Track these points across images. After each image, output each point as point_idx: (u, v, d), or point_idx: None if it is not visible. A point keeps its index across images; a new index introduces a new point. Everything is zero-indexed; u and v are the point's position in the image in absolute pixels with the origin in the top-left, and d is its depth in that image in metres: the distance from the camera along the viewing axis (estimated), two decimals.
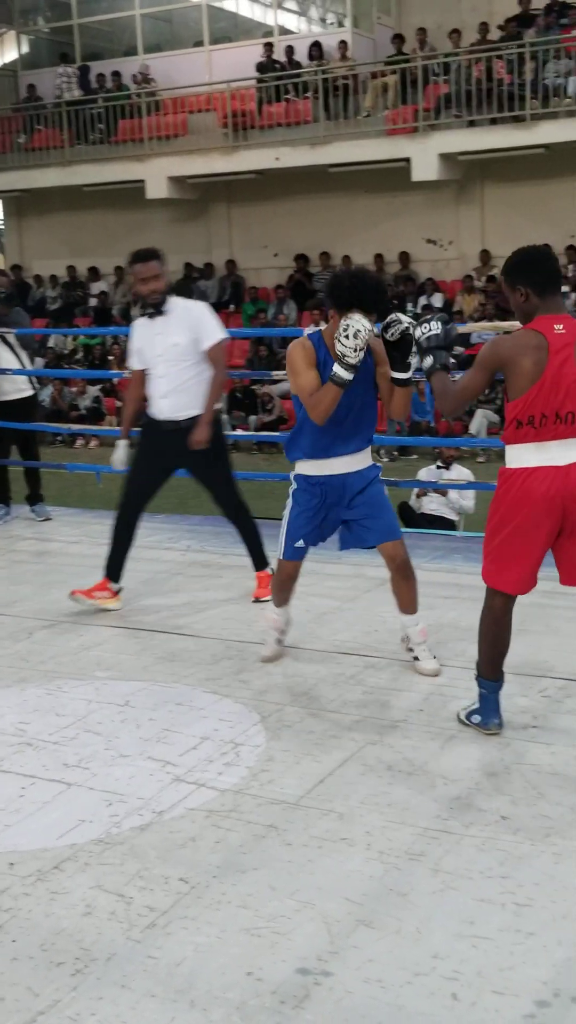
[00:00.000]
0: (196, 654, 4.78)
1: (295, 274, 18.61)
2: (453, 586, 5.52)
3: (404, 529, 7.55)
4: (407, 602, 4.44)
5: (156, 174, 18.48)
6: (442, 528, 7.97)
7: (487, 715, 3.82)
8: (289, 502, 4.55)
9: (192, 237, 20.02)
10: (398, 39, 17.77)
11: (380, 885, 2.90)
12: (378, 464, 4.50)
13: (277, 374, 10.32)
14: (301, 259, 18.64)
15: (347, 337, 3.97)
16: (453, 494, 8.38)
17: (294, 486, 4.53)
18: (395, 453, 15.00)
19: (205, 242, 20.05)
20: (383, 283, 4.33)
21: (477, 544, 6.18)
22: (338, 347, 4.02)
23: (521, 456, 3.59)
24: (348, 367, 4.02)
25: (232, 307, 19.08)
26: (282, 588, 4.66)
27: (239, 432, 15.34)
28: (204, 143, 18.26)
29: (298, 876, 2.96)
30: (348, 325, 3.97)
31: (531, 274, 3.56)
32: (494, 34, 17.03)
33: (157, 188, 18.54)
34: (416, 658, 4.48)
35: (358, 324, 3.96)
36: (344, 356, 4.00)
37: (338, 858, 3.04)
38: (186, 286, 19.78)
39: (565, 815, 3.22)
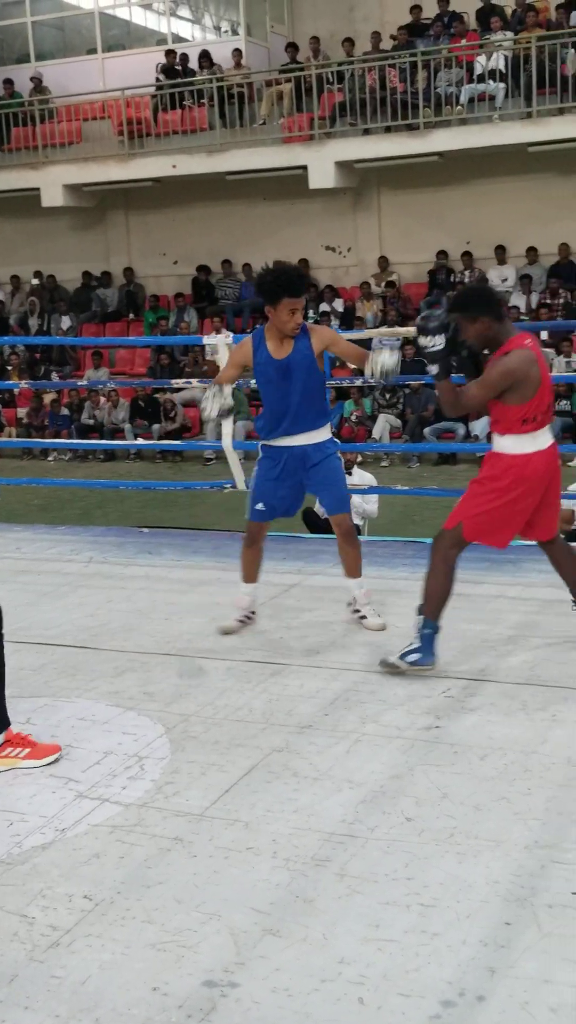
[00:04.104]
0: (99, 667, 4.73)
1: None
2: None
3: (308, 535, 7.61)
4: (352, 567, 5.03)
5: (52, 182, 18.31)
6: None
7: (427, 653, 4.40)
8: (256, 469, 5.05)
9: (90, 245, 19.89)
10: (292, 48, 17.87)
11: (286, 893, 2.90)
12: (336, 440, 5.04)
13: (178, 382, 10.30)
14: (203, 269, 18.65)
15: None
16: (356, 499, 8.40)
17: (260, 455, 5.03)
18: None
19: (103, 250, 19.92)
20: (298, 271, 4.86)
21: (381, 548, 6.22)
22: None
23: (522, 444, 4.34)
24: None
25: (131, 315, 18.98)
26: (248, 552, 5.10)
27: (141, 441, 15.26)
28: (100, 151, 18.14)
29: (204, 888, 2.94)
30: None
31: (487, 306, 4.31)
32: (386, 43, 17.22)
33: (53, 196, 18.37)
34: (363, 617, 5.03)
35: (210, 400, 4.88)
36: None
37: (244, 868, 3.03)
38: (85, 295, 19.64)
39: (468, 814, 3.25)
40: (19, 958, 2.68)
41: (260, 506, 5.00)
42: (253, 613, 5.16)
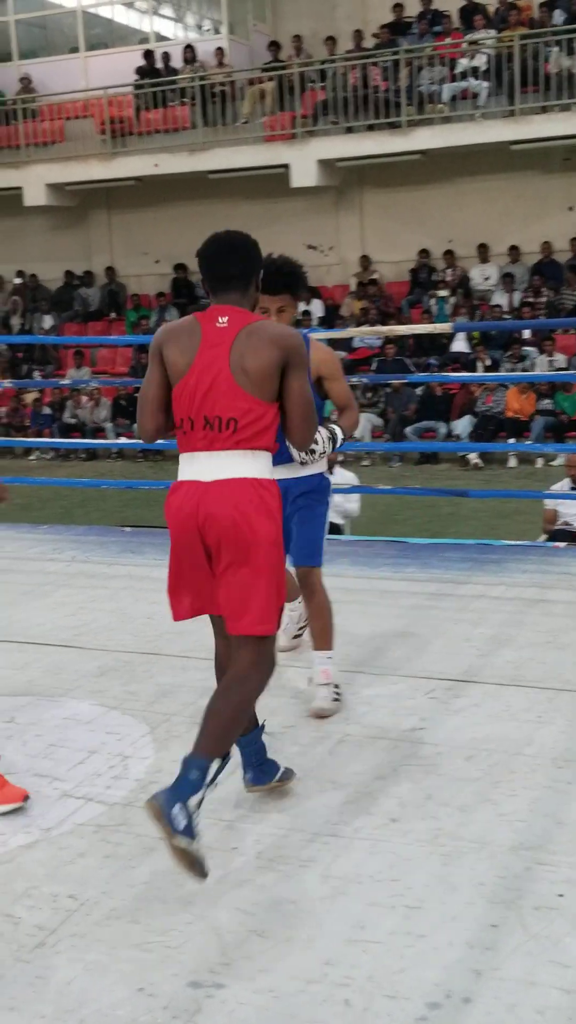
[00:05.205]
0: (83, 666, 4.71)
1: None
2: (340, 590, 5.52)
3: None
4: (318, 635, 4.18)
5: (34, 181, 18.27)
6: (328, 532, 7.98)
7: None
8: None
9: (72, 244, 19.85)
10: (274, 46, 17.86)
11: (271, 894, 2.89)
12: (326, 476, 4.28)
13: None
14: (184, 268, 18.61)
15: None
16: (338, 498, 8.40)
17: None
18: None
19: (85, 249, 19.88)
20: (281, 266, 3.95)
21: (363, 547, 6.23)
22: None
23: (180, 466, 3.11)
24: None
25: (113, 314, 18.94)
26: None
27: (124, 440, 15.24)
28: (82, 150, 18.11)
29: (189, 888, 2.93)
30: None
31: (201, 264, 3.15)
32: (369, 41, 17.22)
33: (35, 195, 18.33)
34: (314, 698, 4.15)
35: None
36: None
37: (229, 868, 3.02)
38: (67, 294, 19.59)
39: (453, 815, 3.25)
40: (4, 958, 2.66)
41: None
42: (302, 628, 4.78)
